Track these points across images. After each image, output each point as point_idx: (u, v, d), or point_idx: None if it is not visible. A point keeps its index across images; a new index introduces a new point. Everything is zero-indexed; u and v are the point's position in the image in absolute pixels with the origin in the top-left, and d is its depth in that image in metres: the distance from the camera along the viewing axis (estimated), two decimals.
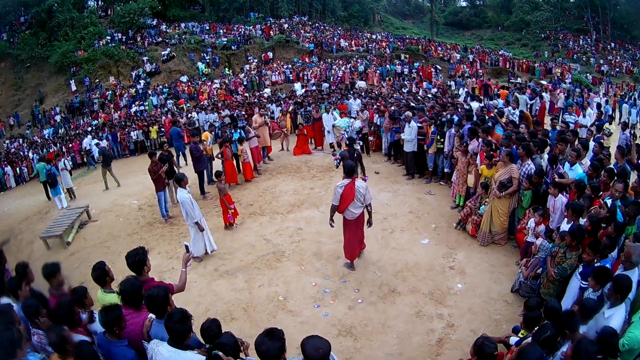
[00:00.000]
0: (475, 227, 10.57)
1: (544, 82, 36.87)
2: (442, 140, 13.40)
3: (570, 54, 54.09)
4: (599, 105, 20.86)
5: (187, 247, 6.53)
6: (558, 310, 5.74)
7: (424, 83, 33.28)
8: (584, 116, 16.58)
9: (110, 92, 37.92)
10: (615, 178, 8.17)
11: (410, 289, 8.84)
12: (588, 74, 44.92)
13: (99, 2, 51.27)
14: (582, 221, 7.43)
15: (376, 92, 27.17)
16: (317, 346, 3.81)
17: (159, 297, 4.84)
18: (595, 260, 6.59)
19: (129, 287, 5.11)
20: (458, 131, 12.82)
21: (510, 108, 16.60)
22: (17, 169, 28.15)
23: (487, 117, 13.84)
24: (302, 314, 8.27)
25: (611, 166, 9.15)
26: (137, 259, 5.80)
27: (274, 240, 11.42)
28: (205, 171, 15.64)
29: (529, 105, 19.90)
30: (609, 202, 7.72)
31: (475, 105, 16.93)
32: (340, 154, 14.21)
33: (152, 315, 5.04)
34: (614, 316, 5.33)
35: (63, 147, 28.17)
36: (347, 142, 14.41)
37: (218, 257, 10.89)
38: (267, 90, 35.45)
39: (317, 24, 53.87)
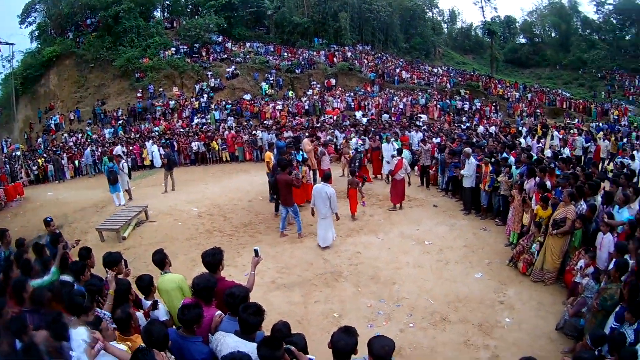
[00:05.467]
0: (526, 265, 10.83)
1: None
2: (498, 178, 13.61)
3: (626, 94, 53.37)
4: None
5: (256, 251, 6.71)
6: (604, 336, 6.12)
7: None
8: (633, 159, 16.54)
9: (173, 101, 39.23)
10: None
11: (460, 319, 9.11)
12: None
13: (165, 14, 53.62)
14: (631, 263, 7.65)
15: (438, 127, 27.53)
16: (383, 344, 4.18)
17: (240, 297, 5.13)
18: None
19: (204, 282, 5.51)
20: (509, 172, 13.18)
21: (559, 146, 17.47)
22: (75, 162, 29.62)
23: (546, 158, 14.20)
24: None
25: None
26: (215, 258, 6.16)
27: (332, 261, 11.72)
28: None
29: (584, 148, 20.08)
30: None
31: (524, 141, 17.69)
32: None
33: (219, 312, 5.44)
34: None
35: (124, 148, 28.97)
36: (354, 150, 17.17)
37: (276, 270, 11.27)
38: (327, 117, 35.91)
39: (379, 54, 54.25)
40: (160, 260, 6.63)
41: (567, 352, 7.85)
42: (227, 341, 4.76)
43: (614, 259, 7.90)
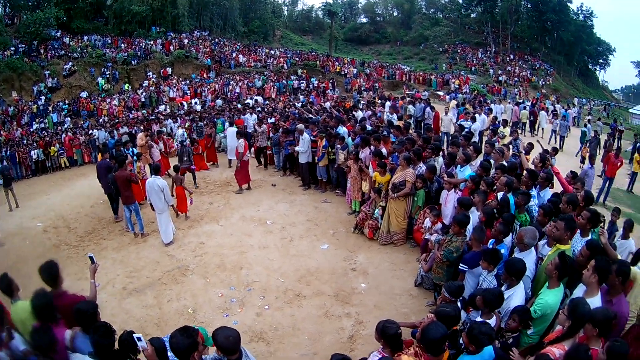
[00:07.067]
0: (372, 231, 11.26)
1: (440, 93, 38.65)
2: (333, 151, 13.96)
3: (468, 66, 57.02)
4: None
5: (91, 258, 6.48)
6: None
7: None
8: (474, 121, 17.83)
9: (12, 108, 35.91)
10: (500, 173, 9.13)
11: (315, 292, 9.29)
12: (486, 84, 47.62)
13: (7, 9, 49.71)
14: (477, 214, 8.09)
15: (272, 107, 27.88)
16: (227, 334, 4.25)
17: (88, 312, 4.98)
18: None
19: (42, 300, 5.12)
20: (341, 143, 13.49)
21: (388, 113, 18.99)
22: None
23: (380, 126, 14.98)
24: (213, 324, 8.25)
25: (503, 162, 9.88)
26: (51, 271, 5.74)
27: (177, 256, 11.52)
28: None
29: (419, 115, 21.31)
30: (500, 195, 8.39)
31: (360, 114, 18.32)
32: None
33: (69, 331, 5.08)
34: (513, 296, 5.80)
35: None
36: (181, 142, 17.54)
37: (125, 275, 10.88)
38: (162, 107, 35.73)
39: (216, 39, 54.14)
40: (7, 287, 5.93)
41: (430, 304, 8.27)
42: None
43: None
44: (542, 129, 26.74)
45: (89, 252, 6.73)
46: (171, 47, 47.11)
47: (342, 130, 14.70)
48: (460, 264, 7.22)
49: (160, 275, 10.67)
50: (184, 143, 17.40)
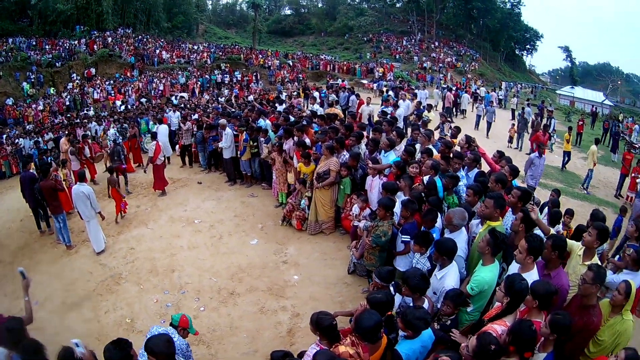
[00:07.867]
0: (300, 222, 11.42)
1: (364, 82, 39.19)
2: (254, 144, 13.91)
3: (393, 54, 58.15)
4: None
5: (22, 273, 6.39)
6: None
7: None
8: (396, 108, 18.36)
9: None
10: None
11: (248, 289, 9.34)
12: (410, 71, 48.82)
13: None
14: (404, 199, 8.07)
15: (195, 103, 27.78)
16: (164, 339, 4.32)
17: (15, 329, 4.92)
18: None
19: None
20: (264, 136, 13.54)
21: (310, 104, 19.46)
22: None
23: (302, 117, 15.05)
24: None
25: (429, 146, 9.97)
26: None
27: (109, 264, 11.21)
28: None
29: (343, 104, 21.86)
30: (426, 178, 8.47)
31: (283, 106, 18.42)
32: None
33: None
34: (446, 276, 5.91)
35: None
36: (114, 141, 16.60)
37: (62, 289, 10.55)
38: (86, 110, 34.85)
39: (140, 36, 53.27)
40: None
41: (366, 291, 8.33)
42: None
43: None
44: (464, 110, 28.28)
45: (20, 268, 6.62)
46: (95, 47, 46.12)
47: (264, 122, 14.74)
48: (402, 236, 7.39)
49: (95, 286, 10.41)
50: (117, 142, 17.10)
